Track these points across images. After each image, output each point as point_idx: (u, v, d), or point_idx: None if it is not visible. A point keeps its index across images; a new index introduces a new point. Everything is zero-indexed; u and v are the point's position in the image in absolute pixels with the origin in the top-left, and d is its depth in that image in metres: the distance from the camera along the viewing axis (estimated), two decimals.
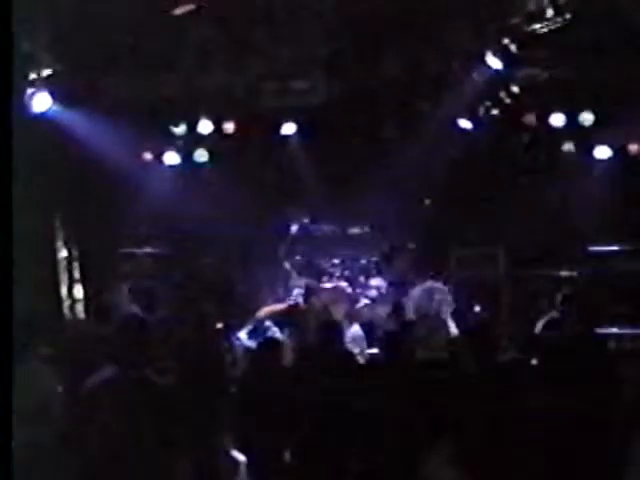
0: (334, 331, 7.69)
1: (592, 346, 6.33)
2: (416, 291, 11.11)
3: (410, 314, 10.73)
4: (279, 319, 11.11)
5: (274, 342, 7.86)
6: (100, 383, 4.99)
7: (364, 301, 12.00)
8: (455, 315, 10.79)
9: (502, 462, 5.52)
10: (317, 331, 8.16)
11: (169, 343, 9.05)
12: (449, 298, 11.00)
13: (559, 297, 9.36)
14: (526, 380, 6.13)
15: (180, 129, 11.86)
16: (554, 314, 9.17)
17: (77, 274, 11.80)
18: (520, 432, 5.58)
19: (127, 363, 4.94)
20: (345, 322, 10.76)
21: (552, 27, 9.49)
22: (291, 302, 11.32)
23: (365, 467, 6.11)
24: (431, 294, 10.97)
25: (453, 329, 10.32)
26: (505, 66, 10.09)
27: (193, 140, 12.03)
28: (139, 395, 4.80)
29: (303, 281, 11.67)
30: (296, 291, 11.48)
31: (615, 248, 11.79)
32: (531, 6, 9.56)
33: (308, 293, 11.32)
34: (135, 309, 10.05)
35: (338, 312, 10.92)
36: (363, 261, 12.34)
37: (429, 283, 11.10)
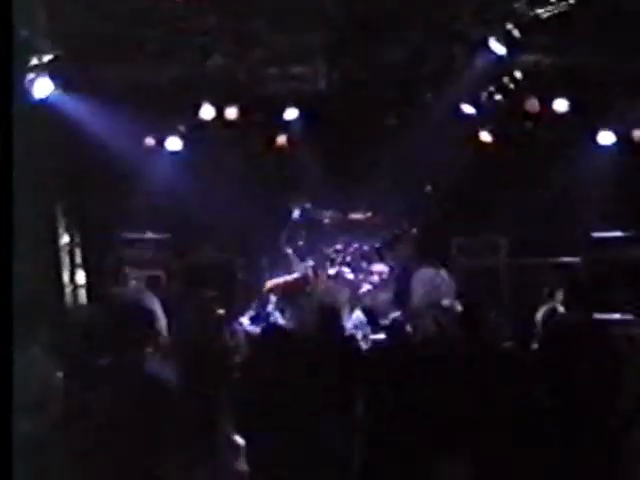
0: (333, 316, 7.69)
1: (594, 333, 6.32)
2: (420, 277, 11.09)
3: (415, 301, 10.73)
4: (283, 299, 11.17)
5: (277, 328, 7.87)
6: (100, 370, 5.00)
7: (366, 287, 12.01)
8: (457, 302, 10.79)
9: (503, 449, 5.53)
10: (317, 316, 8.17)
11: (171, 329, 9.09)
12: (452, 285, 10.99)
13: (561, 284, 9.35)
14: (527, 367, 6.13)
15: (182, 115, 11.83)
16: (555, 301, 9.16)
17: (79, 260, 11.81)
18: (521, 418, 5.59)
19: (127, 350, 4.94)
20: (346, 308, 10.78)
21: (555, 12, 9.44)
22: (300, 275, 11.38)
23: (366, 451, 6.13)
24: (435, 280, 10.95)
25: (457, 314, 10.32)
26: (508, 51, 10.03)
27: (195, 125, 11.99)
28: (138, 382, 4.80)
29: (304, 265, 11.70)
30: (306, 264, 11.57)
31: (618, 234, 11.76)
32: None
33: (316, 268, 11.39)
34: (139, 295, 10.04)
35: (341, 298, 10.94)
36: (365, 247, 12.34)
37: (432, 269, 11.08)
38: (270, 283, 11.53)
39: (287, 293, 11.21)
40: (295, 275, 11.51)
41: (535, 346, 6.82)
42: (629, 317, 10.56)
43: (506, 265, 12.21)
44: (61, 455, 4.59)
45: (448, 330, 9.24)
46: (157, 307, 9.63)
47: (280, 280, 11.53)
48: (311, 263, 11.64)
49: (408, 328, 9.77)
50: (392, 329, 7.75)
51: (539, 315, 9.08)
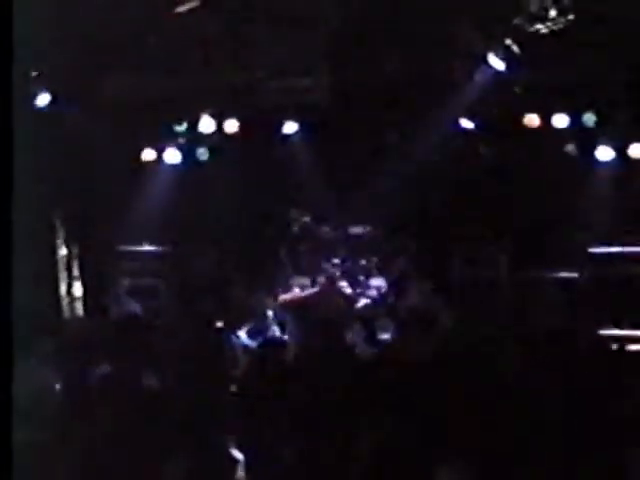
0: (332, 330, 7.67)
1: (594, 347, 6.32)
2: (410, 290, 11.10)
3: (405, 314, 10.71)
4: (282, 312, 11.13)
5: (276, 341, 7.85)
6: (97, 381, 4.98)
7: (364, 301, 11.98)
8: (455, 315, 10.77)
9: (503, 461, 5.52)
10: (316, 329, 8.15)
11: (168, 342, 9.05)
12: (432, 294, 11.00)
13: (560, 298, 9.36)
14: (527, 381, 6.12)
15: (181, 127, 11.84)
16: (555, 315, 9.16)
17: (76, 272, 11.79)
18: (521, 432, 5.58)
19: (125, 362, 4.92)
20: (344, 322, 10.74)
21: (555, 28, 9.48)
22: (312, 290, 11.27)
23: (366, 463, 6.10)
24: (421, 292, 10.95)
25: (446, 325, 10.29)
26: (508, 67, 10.06)
27: (194, 138, 12.00)
28: (136, 394, 4.78)
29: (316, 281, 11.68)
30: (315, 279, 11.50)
31: (616, 250, 11.76)
32: (534, 7, 9.55)
33: (329, 282, 11.33)
34: (136, 307, 10.04)
35: (339, 312, 10.91)
36: (363, 261, 12.31)
37: (423, 282, 11.08)
38: (282, 297, 11.41)
39: (299, 308, 11.08)
40: (309, 291, 11.38)
41: (535, 359, 6.80)
42: (627, 332, 10.56)
43: (505, 278, 12.20)
44: (58, 464, 4.57)
45: (440, 343, 9.21)
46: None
47: (294, 295, 11.39)
48: (322, 280, 11.55)
49: (403, 342, 9.76)
50: (389, 343, 7.74)
51: (538, 328, 9.06)
